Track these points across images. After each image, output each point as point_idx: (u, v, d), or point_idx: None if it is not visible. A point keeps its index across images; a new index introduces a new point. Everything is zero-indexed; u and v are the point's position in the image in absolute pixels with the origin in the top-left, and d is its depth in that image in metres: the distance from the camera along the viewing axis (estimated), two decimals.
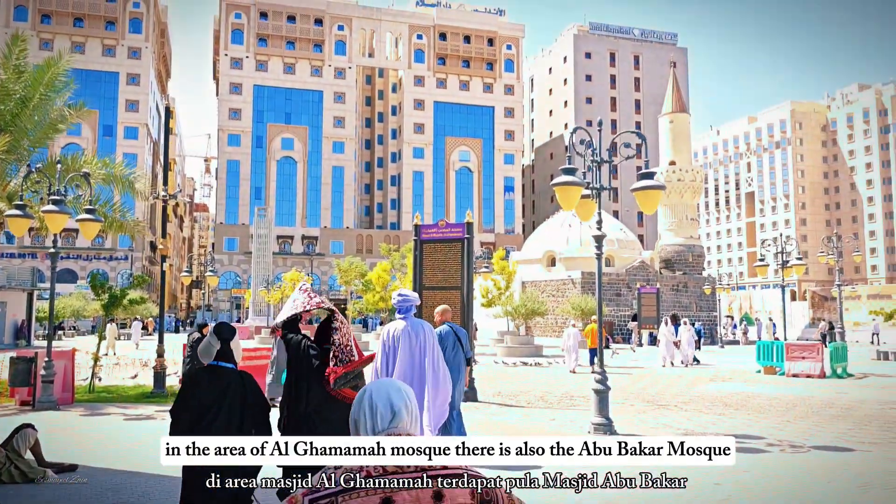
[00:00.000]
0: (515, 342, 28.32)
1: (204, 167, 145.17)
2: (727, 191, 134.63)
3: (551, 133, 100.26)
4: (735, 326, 48.59)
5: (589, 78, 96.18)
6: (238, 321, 61.39)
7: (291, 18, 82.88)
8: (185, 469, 4.03)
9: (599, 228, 9.46)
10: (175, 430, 4.11)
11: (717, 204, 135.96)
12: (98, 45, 76.74)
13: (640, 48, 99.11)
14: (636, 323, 43.11)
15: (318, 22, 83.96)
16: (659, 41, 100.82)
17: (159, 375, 13.64)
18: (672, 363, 22.23)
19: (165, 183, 14.10)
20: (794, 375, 19.09)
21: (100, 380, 15.92)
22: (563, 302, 43.38)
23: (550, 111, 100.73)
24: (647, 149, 9.28)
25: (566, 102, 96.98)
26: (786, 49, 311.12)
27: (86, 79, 75.61)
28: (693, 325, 24.16)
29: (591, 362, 21.24)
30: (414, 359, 6.24)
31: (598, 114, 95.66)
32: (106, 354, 24.06)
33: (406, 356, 6.22)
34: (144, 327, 48.14)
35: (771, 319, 40.68)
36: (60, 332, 43.35)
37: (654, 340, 38.89)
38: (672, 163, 52.62)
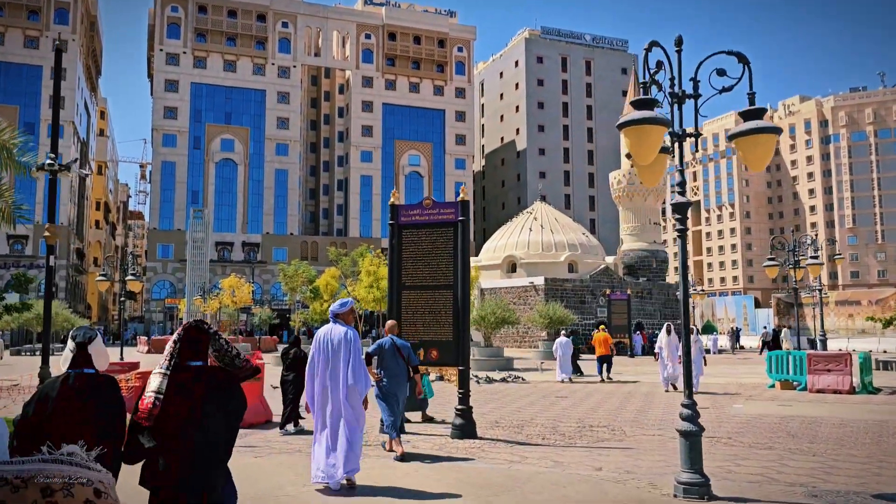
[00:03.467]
0: (485, 355, 25.30)
1: (139, 173, 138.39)
2: (672, 200, 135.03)
3: (502, 139, 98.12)
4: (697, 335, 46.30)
5: (541, 83, 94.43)
6: (172, 333, 56.68)
7: (232, 14, 78.52)
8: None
9: (683, 192, 6.48)
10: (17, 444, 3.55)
11: (663, 213, 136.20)
12: (19, 35, 71.03)
13: (591, 54, 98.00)
14: (604, 329, 40.59)
15: (261, 18, 79.82)
16: (610, 47, 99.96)
17: None
18: (674, 386, 16.66)
19: (54, 150, 10.55)
20: (819, 391, 16.57)
21: None
22: (525, 310, 40.65)
23: (501, 116, 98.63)
24: (750, 78, 6.35)
25: (518, 107, 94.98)
26: (729, 60, 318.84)
27: (5, 72, 69.96)
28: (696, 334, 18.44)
29: (600, 371, 21.12)
30: (331, 360, 6.63)
31: (550, 119, 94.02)
32: None
33: (325, 358, 6.67)
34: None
35: (784, 329, 38.25)
36: None
37: (619, 350, 36.55)
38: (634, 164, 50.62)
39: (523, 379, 21.19)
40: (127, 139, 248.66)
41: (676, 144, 6.54)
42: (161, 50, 75.74)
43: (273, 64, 79.43)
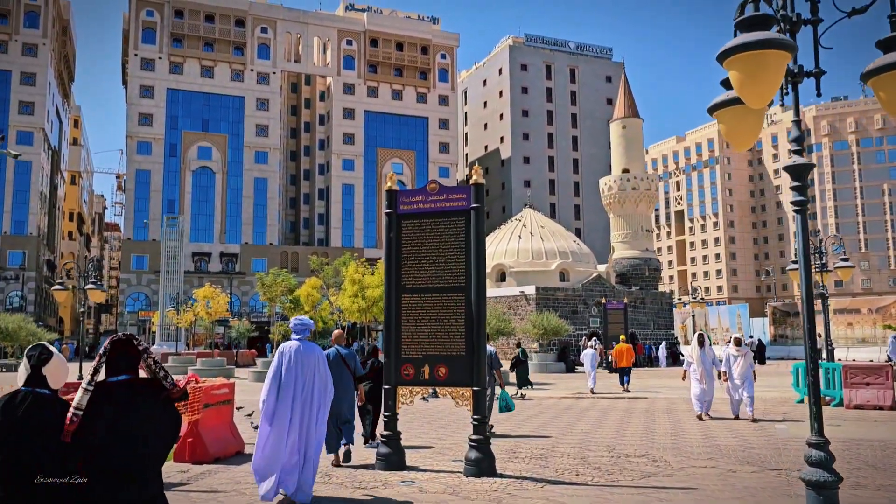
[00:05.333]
0: None
1: (115, 184, 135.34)
2: (657, 209, 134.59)
3: (486, 147, 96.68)
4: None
5: (525, 90, 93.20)
6: None
7: (210, 18, 76.42)
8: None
9: (800, 151, 4.75)
10: None
11: (655, 221, 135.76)
12: None
13: (575, 62, 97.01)
14: (594, 342, 38.94)
15: (240, 23, 77.79)
16: (595, 55, 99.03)
17: None
18: (707, 413, 13.65)
19: None
20: (858, 407, 14.94)
21: None
22: (516, 320, 38.89)
23: (485, 125, 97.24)
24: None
25: (502, 115, 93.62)
26: (711, 71, 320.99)
27: None
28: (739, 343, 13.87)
29: (622, 382, 21.19)
30: (305, 377, 6.83)
31: (534, 127, 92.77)
32: None
33: (298, 374, 6.82)
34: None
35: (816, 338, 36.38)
36: None
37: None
38: (625, 170, 49.34)
39: (524, 395, 19.43)
40: (103, 149, 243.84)
41: (790, 87, 4.81)
42: (136, 55, 73.45)
43: (252, 70, 77.38)
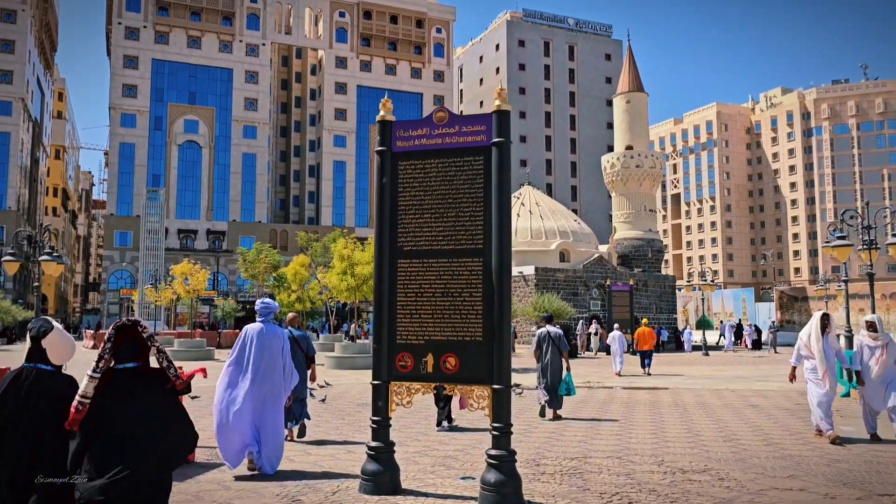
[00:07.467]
0: None
1: (104, 160, 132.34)
2: None
3: None
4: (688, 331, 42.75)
5: (522, 67, 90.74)
6: None
7: None
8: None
9: None
10: None
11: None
12: None
13: (574, 38, 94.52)
14: (595, 325, 37.07)
15: None
16: (594, 32, 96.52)
17: None
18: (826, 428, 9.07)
19: None
20: None
21: None
22: (513, 301, 36.94)
23: (481, 102, 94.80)
24: None
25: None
26: (711, 52, 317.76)
27: None
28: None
29: (643, 365, 21.40)
30: (264, 359, 6.87)
31: (532, 105, 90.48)
32: None
33: (258, 355, 6.87)
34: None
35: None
36: None
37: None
38: (629, 147, 47.28)
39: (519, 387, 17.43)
40: (91, 125, 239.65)
41: None
42: (120, 23, 70.54)
43: (241, 41, 74.60)
